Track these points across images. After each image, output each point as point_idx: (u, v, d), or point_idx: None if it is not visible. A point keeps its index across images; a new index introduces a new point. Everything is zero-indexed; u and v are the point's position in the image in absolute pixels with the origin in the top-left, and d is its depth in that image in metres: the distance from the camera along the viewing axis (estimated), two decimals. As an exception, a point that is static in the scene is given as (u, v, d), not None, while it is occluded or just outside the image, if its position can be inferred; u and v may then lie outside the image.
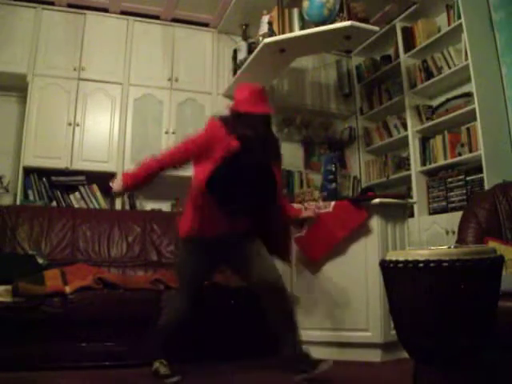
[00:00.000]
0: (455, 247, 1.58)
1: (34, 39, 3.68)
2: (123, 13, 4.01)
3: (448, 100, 3.71)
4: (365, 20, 3.12)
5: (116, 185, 2.21)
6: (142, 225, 3.34)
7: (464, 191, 3.43)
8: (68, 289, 2.40)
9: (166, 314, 2.31)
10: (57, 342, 2.35)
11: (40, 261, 2.78)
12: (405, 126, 4.03)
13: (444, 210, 3.57)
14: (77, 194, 3.63)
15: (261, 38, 3.33)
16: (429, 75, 3.77)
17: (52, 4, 3.81)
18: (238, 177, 2.14)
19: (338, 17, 3.05)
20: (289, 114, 4.33)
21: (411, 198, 3.72)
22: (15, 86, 3.73)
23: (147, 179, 2.22)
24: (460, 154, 3.49)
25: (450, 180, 3.58)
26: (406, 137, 3.95)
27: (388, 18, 4.17)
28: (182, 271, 2.35)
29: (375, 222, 2.67)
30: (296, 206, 2.74)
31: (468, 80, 3.38)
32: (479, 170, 3.26)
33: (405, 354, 1.64)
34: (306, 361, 2.14)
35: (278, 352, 2.20)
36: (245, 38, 3.90)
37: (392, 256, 1.52)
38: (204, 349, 2.57)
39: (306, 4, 3.10)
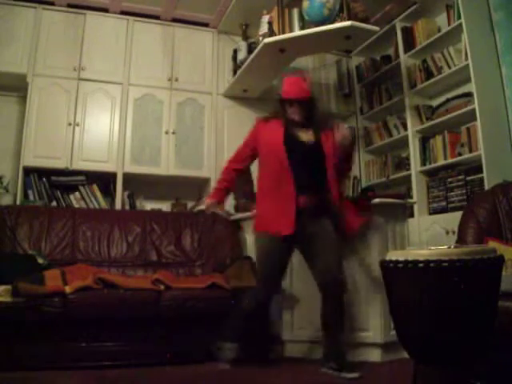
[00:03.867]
0: (455, 247, 1.58)
1: (34, 39, 3.68)
2: (123, 13, 4.01)
3: (448, 100, 3.71)
4: (365, 20, 3.12)
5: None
6: (142, 225, 3.34)
7: (464, 191, 3.43)
8: (68, 289, 2.40)
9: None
10: (57, 342, 2.36)
11: (40, 261, 2.78)
12: (405, 126, 4.03)
13: (444, 210, 3.57)
14: (77, 193, 3.63)
15: (261, 38, 3.33)
16: (429, 75, 3.76)
17: (52, 4, 3.81)
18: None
19: (337, 17, 3.05)
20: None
21: (411, 197, 3.72)
22: (15, 86, 3.73)
23: None
24: (460, 154, 3.49)
25: (449, 180, 3.58)
26: (406, 137, 3.95)
27: (388, 18, 4.17)
28: None
29: (375, 222, 2.67)
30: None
31: (468, 80, 3.38)
32: (479, 170, 3.26)
33: (405, 354, 1.65)
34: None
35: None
36: (245, 38, 3.90)
37: (392, 256, 1.53)
38: (204, 349, 2.57)
39: (305, 4, 3.10)
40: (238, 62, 3.88)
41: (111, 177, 3.73)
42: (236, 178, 2.60)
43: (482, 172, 3.22)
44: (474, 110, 3.29)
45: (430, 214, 3.70)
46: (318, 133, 2.45)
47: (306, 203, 2.33)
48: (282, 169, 2.35)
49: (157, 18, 4.11)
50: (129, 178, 3.78)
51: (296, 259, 2.78)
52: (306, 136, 2.44)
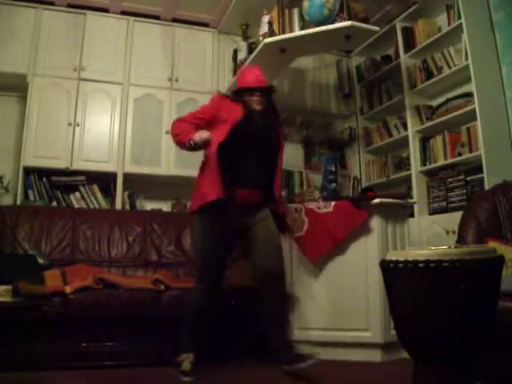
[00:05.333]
0: (455, 247, 1.58)
1: (34, 39, 3.68)
2: (123, 13, 4.02)
3: (448, 100, 3.71)
4: (365, 20, 3.12)
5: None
6: (142, 225, 3.34)
7: (464, 191, 3.43)
8: (68, 289, 2.40)
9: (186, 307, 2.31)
10: (57, 342, 2.36)
11: (40, 261, 2.78)
12: (405, 126, 4.03)
13: (444, 210, 3.57)
14: (77, 193, 3.63)
15: (261, 38, 3.33)
16: (429, 75, 3.77)
17: (52, 4, 3.81)
18: (241, 147, 2.29)
19: (338, 17, 3.05)
20: (289, 114, 4.33)
21: (411, 198, 3.72)
22: (15, 86, 3.73)
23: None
24: (460, 154, 3.49)
25: (450, 180, 3.58)
26: (406, 137, 3.95)
27: (388, 17, 4.17)
28: (199, 250, 2.34)
29: (375, 222, 2.67)
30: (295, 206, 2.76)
31: (468, 80, 3.38)
32: (479, 169, 3.26)
33: (405, 354, 1.64)
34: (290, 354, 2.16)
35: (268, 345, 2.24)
36: (245, 38, 3.90)
37: (392, 256, 1.52)
38: (204, 349, 2.57)
39: (306, 4, 3.10)
40: (238, 62, 3.88)
41: (111, 177, 3.73)
42: None
43: (482, 172, 3.22)
44: (474, 110, 3.29)
45: (430, 214, 3.70)
46: (276, 125, 2.46)
47: (247, 195, 2.31)
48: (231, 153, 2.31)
49: (157, 18, 4.12)
50: (129, 178, 3.78)
51: (296, 259, 2.79)
52: (265, 126, 2.36)
